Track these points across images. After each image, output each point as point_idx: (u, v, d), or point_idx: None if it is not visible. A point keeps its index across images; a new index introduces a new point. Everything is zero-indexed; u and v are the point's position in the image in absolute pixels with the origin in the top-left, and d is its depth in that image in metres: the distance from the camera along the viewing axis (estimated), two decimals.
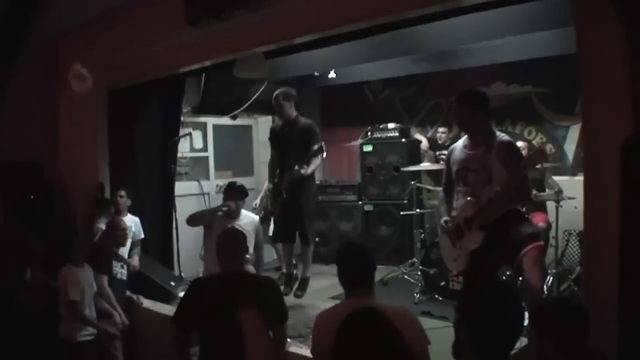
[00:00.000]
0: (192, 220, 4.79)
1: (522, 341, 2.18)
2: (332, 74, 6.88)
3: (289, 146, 5.02)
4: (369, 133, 7.18)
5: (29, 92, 5.81)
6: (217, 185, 6.91)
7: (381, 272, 5.96)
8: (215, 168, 7.38)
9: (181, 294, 3.91)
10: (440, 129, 6.79)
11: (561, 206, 4.87)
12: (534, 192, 5.02)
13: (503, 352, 1.88)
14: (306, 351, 3.64)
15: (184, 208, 5.79)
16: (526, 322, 2.13)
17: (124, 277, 4.57)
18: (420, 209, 5.97)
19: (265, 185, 6.34)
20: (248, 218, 4.83)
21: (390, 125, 7.04)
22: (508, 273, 4.52)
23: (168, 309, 4.52)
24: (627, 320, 2.33)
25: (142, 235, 5.42)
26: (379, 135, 7.09)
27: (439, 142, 6.67)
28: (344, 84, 7.30)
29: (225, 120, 7.29)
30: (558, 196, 4.88)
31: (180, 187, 6.19)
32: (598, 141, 2.71)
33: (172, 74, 5.28)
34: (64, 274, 4.00)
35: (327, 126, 8.32)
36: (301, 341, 4.09)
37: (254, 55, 4.46)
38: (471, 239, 3.58)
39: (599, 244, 2.72)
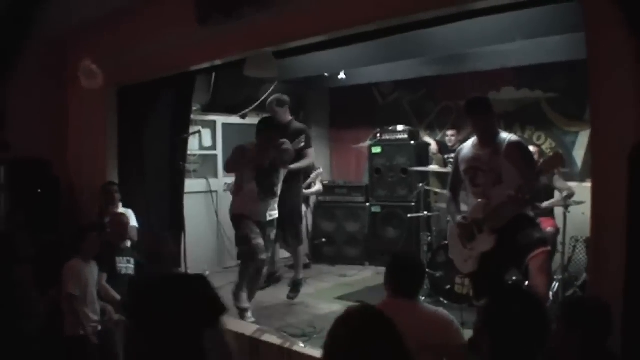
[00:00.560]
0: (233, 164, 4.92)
1: None
2: (341, 75, 6.86)
3: None
4: (378, 135, 7.18)
5: (38, 89, 5.85)
6: (225, 183, 6.91)
7: None
8: (223, 166, 7.36)
9: None
10: (449, 132, 6.75)
11: (569, 212, 4.85)
12: (545, 203, 5.07)
13: None
14: (310, 351, 3.65)
15: (191, 206, 5.80)
16: None
17: (130, 272, 4.49)
18: (427, 212, 5.95)
19: None
20: None
21: (399, 128, 7.04)
22: (514, 278, 4.51)
23: None
24: (632, 327, 2.33)
25: (136, 225, 5.27)
26: (387, 137, 7.09)
27: (448, 145, 6.64)
28: (353, 85, 7.28)
29: (234, 119, 7.31)
30: (566, 201, 4.86)
31: (189, 184, 6.19)
32: (606, 147, 2.70)
33: (182, 72, 5.29)
34: (68, 267, 3.98)
35: (335, 127, 8.35)
36: (305, 340, 4.09)
37: (264, 55, 4.46)
38: (483, 241, 3.60)
39: (605, 251, 2.71)
